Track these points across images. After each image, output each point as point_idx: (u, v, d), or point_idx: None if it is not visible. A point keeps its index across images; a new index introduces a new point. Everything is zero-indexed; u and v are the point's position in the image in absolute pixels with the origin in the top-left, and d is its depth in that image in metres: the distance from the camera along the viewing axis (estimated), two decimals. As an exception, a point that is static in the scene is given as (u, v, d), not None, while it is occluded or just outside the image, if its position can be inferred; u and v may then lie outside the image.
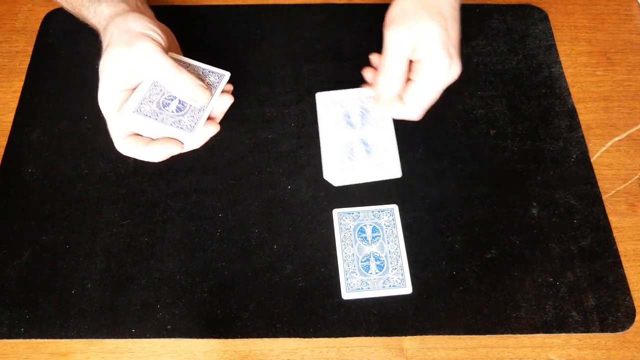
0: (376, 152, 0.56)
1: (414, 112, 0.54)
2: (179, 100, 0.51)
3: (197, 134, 0.51)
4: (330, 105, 0.58)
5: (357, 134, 0.56)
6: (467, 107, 0.63)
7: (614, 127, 0.63)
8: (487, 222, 0.56)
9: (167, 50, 0.51)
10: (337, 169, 0.56)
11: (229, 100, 0.54)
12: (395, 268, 0.53)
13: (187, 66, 0.53)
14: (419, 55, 0.51)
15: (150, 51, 0.49)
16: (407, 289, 0.52)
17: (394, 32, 0.51)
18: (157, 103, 0.50)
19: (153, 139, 0.51)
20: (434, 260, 0.55)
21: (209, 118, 0.53)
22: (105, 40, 0.51)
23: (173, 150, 0.51)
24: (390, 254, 0.54)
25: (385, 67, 0.52)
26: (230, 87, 0.56)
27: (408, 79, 0.53)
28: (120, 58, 0.49)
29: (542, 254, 0.55)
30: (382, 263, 0.53)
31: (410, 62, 0.53)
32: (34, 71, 0.65)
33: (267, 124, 0.62)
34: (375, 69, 0.56)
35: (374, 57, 0.57)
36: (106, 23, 0.52)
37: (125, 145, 0.51)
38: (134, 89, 0.51)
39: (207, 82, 0.53)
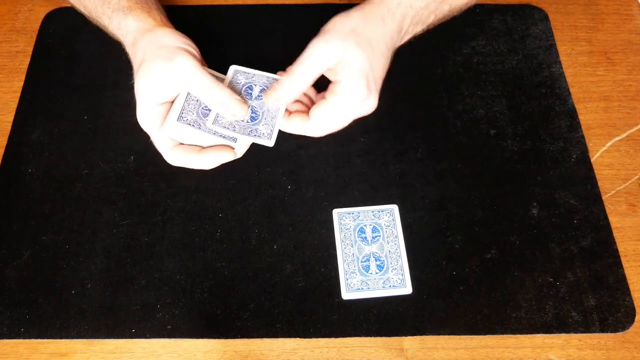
0: (261, 121, 0.52)
1: (316, 129, 0.52)
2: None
3: (240, 143, 0.52)
4: (237, 76, 0.54)
5: (249, 102, 0.52)
6: (467, 107, 0.63)
7: (614, 127, 0.63)
8: (487, 222, 0.56)
9: (203, 64, 0.51)
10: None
11: None
12: (395, 268, 0.53)
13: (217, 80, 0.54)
14: (339, 77, 0.50)
15: (189, 66, 0.49)
16: (407, 289, 0.52)
17: (317, 44, 0.49)
18: (197, 112, 0.51)
19: (203, 147, 0.51)
20: (434, 260, 0.54)
21: None
22: (137, 56, 0.51)
23: (227, 157, 0.51)
24: (390, 254, 0.54)
25: (294, 72, 0.50)
26: None
27: (322, 97, 0.52)
28: (159, 73, 0.49)
29: (542, 254, 0.55)
30: (382, 263, 0.53)
31: (329, 83, 0.51)
32: (34, 71, 0.65)
33: (267, 124, 0.62)
34: None
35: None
36: (133, 38, 0.52)
37: (176, 155, 0.51)
38: (172, 102, 0.51)
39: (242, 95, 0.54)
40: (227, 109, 0.50)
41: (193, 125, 0.50)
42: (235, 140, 0.52)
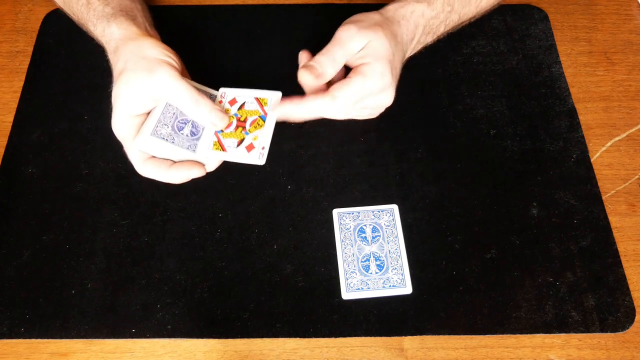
0: (200, 137, 0.53)
1: (338, 107, 0.52)
2: (192, 124, 0.52)
3: (212, 158, 0.52)
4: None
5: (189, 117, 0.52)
6: (467, 107, 0.63)
7: (614, 127, 0.63)
8: (487, 222, 0.56)
9: (184, 75, 0.52)
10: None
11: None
12: (395, 268, 0.53)
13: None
14: (365, 60, 0.52)
15: (170, 78, 0.50)
16: (407, 289, 0.52)
17: (347, 30, 0.52)
18: (172, 126, 0.51)
19: (174, 161, 0.52)
20: (434, 260, 0.54)
21: None
22: (118, 64, 0.51)
23: (195, 173, 0.52)
24: (390, 254, 0.54)
25: (329, 52, 0.52)
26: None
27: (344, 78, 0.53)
28: (139, 84, 0.49)
29: (542, 254, 0.55)
30: (382, 263, 0.53)
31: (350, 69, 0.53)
32: (34, 71, 0.65)
33: (267, 124, 0.62)
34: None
35: (303, 55, 0.56)
36: (115, 45, 0.53)
37: (147, 168, 0.52)
38: (148, 113, 0.51)
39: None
40: (206, 119, 0.52)
41: (167, 140, 0.50)
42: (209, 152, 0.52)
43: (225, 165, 0.59)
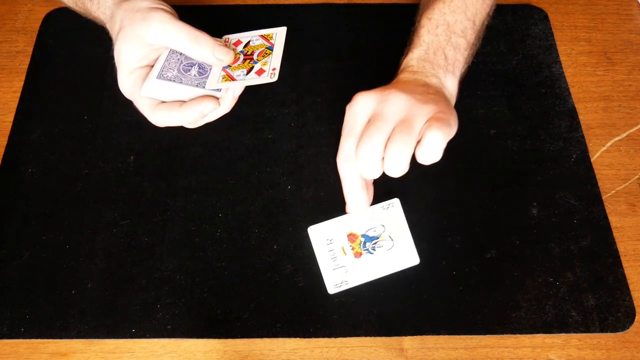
0: (208, 76, 0.52)
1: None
2: (199, 65, 0.52)
3: (223, 92, 0.51)
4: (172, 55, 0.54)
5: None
6: (467, 107, 0.63)
7: (614, 127, 0.63)
8: (487, 222, 0.56)
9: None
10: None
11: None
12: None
13: None
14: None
15: (164, 22, 0.49)
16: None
17: (357, 97, 0.49)
18: (178, 69, 0.51)
19: (185, 102, 0.51)
20: (434, 260, 0.54)
21: None
22: (115, 25, 0.51)
23: (209, 106, 0.50)
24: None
25: (344, 129, 0.50)
26: None
27: None
28: (136, 35, 0.49)
29: (542, 254, 0.55)
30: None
31: None
32: (34, 71, 0.65)
33: (267, 124, 0.62)
34: None
35: None
36: (111, 12, 0.53)
37: (160, 115, 0.50)
38: (151, 66, 0.51)
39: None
40: (210, 56, 0.50)
41: (174, 81, 0.50)
42: (219, 90, 0.52)
43: (225, 165, 0.59)
